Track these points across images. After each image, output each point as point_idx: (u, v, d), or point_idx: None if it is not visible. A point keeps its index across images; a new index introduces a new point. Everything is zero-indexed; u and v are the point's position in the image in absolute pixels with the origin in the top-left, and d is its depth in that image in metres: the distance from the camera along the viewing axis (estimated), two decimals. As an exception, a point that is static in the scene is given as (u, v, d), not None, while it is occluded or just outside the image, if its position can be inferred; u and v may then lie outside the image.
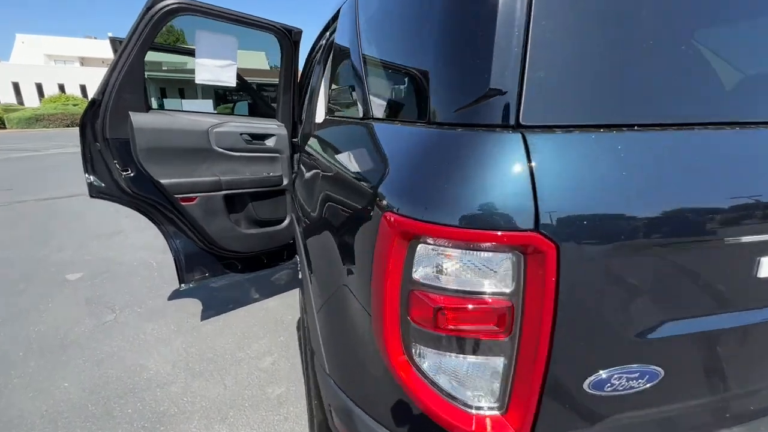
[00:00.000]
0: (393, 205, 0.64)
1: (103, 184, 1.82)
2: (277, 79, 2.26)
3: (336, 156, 1.07)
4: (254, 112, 3.19)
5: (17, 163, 9.63)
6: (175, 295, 2.97)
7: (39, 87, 29.83)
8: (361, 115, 1.03)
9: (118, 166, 1.78)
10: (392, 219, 0.62)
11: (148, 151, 1.75)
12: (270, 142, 2.20)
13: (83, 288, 3.09)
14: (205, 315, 2.71)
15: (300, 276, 2.15)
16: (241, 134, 2.06)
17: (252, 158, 2.15)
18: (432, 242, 0.60)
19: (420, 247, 0.62)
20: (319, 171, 1.17)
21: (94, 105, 1.66)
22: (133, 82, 1.69)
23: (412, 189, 0.63)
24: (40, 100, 28.36)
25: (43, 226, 4.60)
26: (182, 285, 2.17)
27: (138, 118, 1.71)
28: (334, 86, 1.48)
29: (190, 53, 2.58)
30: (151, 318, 2.66)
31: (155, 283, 3.19)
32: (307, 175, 1.42)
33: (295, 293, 3.05)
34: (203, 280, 2.25)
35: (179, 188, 1.89)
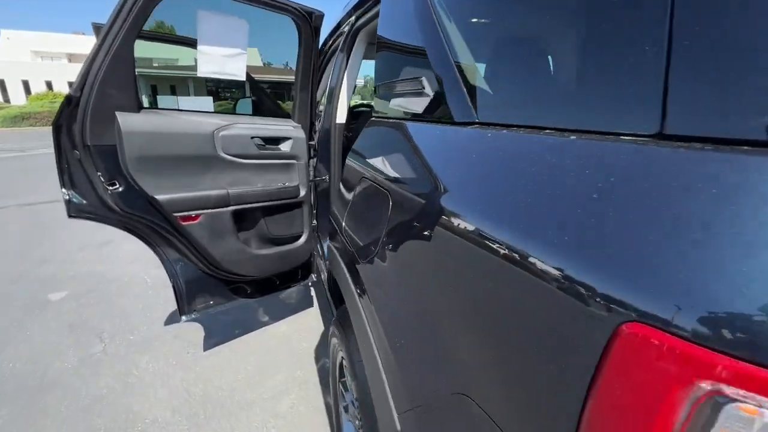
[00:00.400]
0: (648, 312, 0.31)
1: (84, 201, 1.47)
2: (272, 76, 1.92)
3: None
4: (259, 111, 2.84)
5: (2, 164, 9.14)
6: (173, 318, 2.62)
7: (26, 84, 28.93)
8: (460, 117, 0.71)
9: (102, 179, 1.43)
10: (661, 343, 0.30)
11: (139, 160, 1.40)
12: (285, 147, 1.86)
13: (67, 311, 2.73)
14: (208, 343, 2.37)
15: (331, 304, 1.82)
16: (252, 138, 1.72)
17: (265, 166, 1.81)
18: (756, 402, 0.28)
19: (728, 410, 0.29)
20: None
21: (70, 104, 1.31)
22: (120, 75, 1.34)
23: (696, 284, 0.31)
24: (27, 97, 27.52)
25: (26, 236, 4.21)
26: (183, 317, 1.83)
27: (127, 120, 1.36)
28: (381, 80, 1.15)
29: (187, 43, 2.23)
30: (145, 348, 2.31)
31: (149, 302, 2.84)
32: (368, 193, 1.09)
33: (308, 315, 2.72)
34: (207, 308, 1.91)
35: (179, 205, 1.54)
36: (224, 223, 1.71)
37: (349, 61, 2.04)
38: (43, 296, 2.91)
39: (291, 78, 2.00)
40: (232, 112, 2.50)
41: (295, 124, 1.92)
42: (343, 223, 1.29)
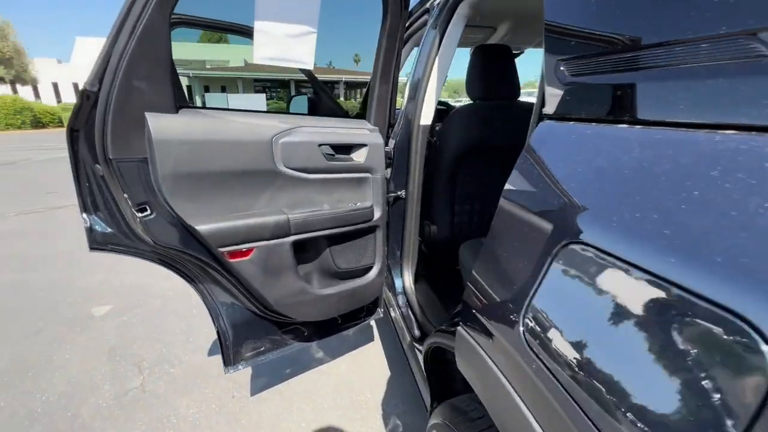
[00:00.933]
0: None
1: (109, 230, 1.12)
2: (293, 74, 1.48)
3: None
4: (317, 112, 2.43)
5: (67, 164, 9.67)
6: (216, 347, 2.29)
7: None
8: None
9: (129, 203, 1.07)
10: None
11: (176, 178, 1.02)
12: (359, 157, 1.43)
13: (109, 330, 2.50)
14: (257, 384, 2.01)
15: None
16: (319, 146, 1.30)
17: (333, 182, 1.39)
18: None
19: None
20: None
21: (87, 100, 0.95)
22: (150, 61, 0.96)
23: None
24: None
25: (79, 239, 4.17)
26: (229, 368, 1.46)
27: (161, 124, 0.98)
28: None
29: (237, 31, 1.86)
30: (186, 388, 1.99)
31: (194, 323, 2.55)
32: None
33: (369, 352, 2.29)
34: (258, 357, 1.53)
35: (226, 237, 1.15)
36: (282, 258, 1.30)
37: (442, 45, 1.57)
38: (87, 310, 2.72)
39: (333, 77, 1.54)
40: (291, 112, 2.09)
41: (372, 127, 1.48)
42: (474, 271, 0.82)
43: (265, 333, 1.57)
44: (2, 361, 2.20)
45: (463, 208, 2.03)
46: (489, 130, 1.83)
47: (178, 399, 1.92)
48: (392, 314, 1.91)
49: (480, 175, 1.97)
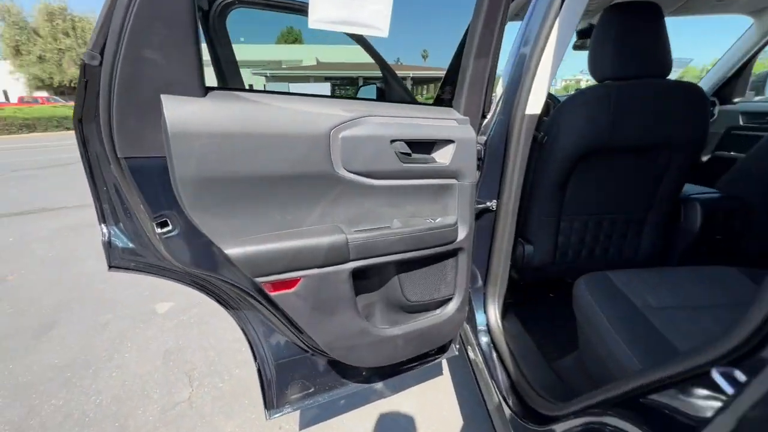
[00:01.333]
0: None
1: (131, 245, 0.89)
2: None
3: None
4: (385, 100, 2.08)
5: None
6: (268, 363, 2.09)
7: None
8: None
9: (147, 215, 0.83)
10: None
11: (200, 183, 0.75)
12: (443, 157, 1.06)
13: (168, 329, 2.44)
14: (306, 416, 1.76)
15: None
16: (392, 142, 0.95)
17: (406, 190, 1.04)
18: None
19: None
20: None
21: (91, 79, 0.71)
22: (167, 22, 0.68)
23: None
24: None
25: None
26: (272, 413, 1.20)
27: (180, 110, 0.71)
28: None
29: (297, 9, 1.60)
30: (232, 408, 1.81)
31: (248, 331, 2.39)
32: None
33: (437, 388, 1.92)
34: (306, 399, 1.25)
35: (265, 264, 0.86)
36: (338, 290, 0.99)
37: (564, 5, 1.13)
38: (151, 306, 2.72)
39: (401, 72, 1.15)
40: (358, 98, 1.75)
41: (461, 117, 1.10)
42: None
43: (316, 372, 1.28)
44: (71, 352, 2.22)
45: (571, 226, 1.56)
46: (627, 121, 1.34)
47: (224, 422, 1.73)
48: (471, 354, 1.52)
49: (602, 181, 1.48)
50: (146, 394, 1.90)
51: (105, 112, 0.72)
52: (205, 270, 0.90)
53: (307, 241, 0.90)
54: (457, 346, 1.50)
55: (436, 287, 1.22)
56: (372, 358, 1.15)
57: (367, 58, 1.67)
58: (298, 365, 1.25)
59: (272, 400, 1.20)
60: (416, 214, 1.10)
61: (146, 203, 0.81)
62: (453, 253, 1.20)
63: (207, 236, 0.81)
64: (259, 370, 1.18)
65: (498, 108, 1.31)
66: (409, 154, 1.01)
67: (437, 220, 1.12)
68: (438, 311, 1.27)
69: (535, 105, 1.23)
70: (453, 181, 1.11)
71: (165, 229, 0.84)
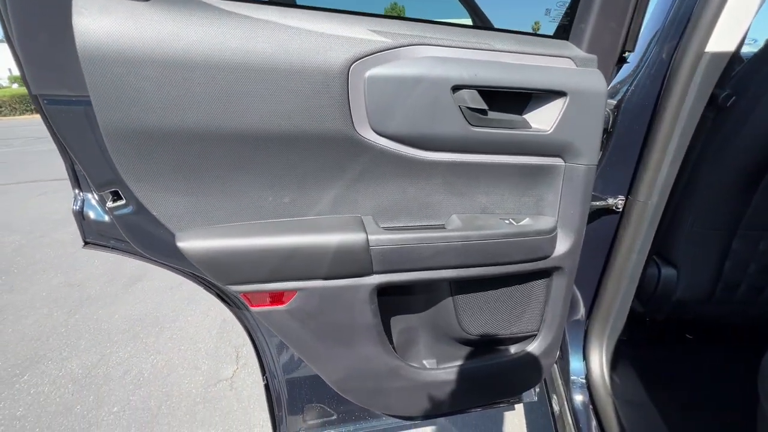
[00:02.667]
0: None
1: (107, 218, 0.69)
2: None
3: None
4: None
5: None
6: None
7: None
8: None
9: (91, 183, 0.61)
10: None
11: (139, 140, 0.47)
12: (542, 119, 0.64)
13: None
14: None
15: None
16: (454, 89, 0.57)
17: (476, 170, 0.65)
18: None
19: None
20: None
21: None
22: None
23: None
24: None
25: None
26: None
27: (99, 20, 0.42)
28: None
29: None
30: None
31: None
32: None
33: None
34: (323, 429, 0.99)
35: (239, 267, 0.58)
36: (355, 313, 0.67)
37: None
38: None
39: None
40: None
41: (584, 55, 0.66)
42: None
43: (339, 396, 1.00)
44: (146, 307, 2.34)
45: (754, 247, 0.98)
46: None
47: (256, 413, 1.60)
48: (556, 408, 1.08)
49: None
50: (195, 364, 1.88)
51: (6, 25, 0.48)
52: (171, 261, 0.65)
53: (306, 239, 0.59)
54: (537, 390, 1.08)
55: (511, 319, 0.82)
56: (407, 406, 0.82)
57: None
58: (318, 384, 0.99)
59: (282, 422, 0.96)
60: (490, 210, 0.71)
61: (84, 165, 0.58)
62: (545, 273, 0.78)
63: (156, 219, 0.55)
64: (266, 386, 0.94)
65: (650, 45, 0.80)
66: (484, 112, 0.62)
67: (523, 222, 0.71)
68: (513, 351, 0.87)
69: (725, 38, 0.70)
70: (557, 161, 0.69)
71: (117, 203, 0.61)
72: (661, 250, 1.05)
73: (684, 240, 1.00)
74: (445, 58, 0.58)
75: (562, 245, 0.74)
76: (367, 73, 0.55)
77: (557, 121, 0.64)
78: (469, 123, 0.61)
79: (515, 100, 0.66)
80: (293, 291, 0.62)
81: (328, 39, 0.53)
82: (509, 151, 0.66)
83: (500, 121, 0.63)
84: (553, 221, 0.72)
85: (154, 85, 0.48)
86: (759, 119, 0.83)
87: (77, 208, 0.69)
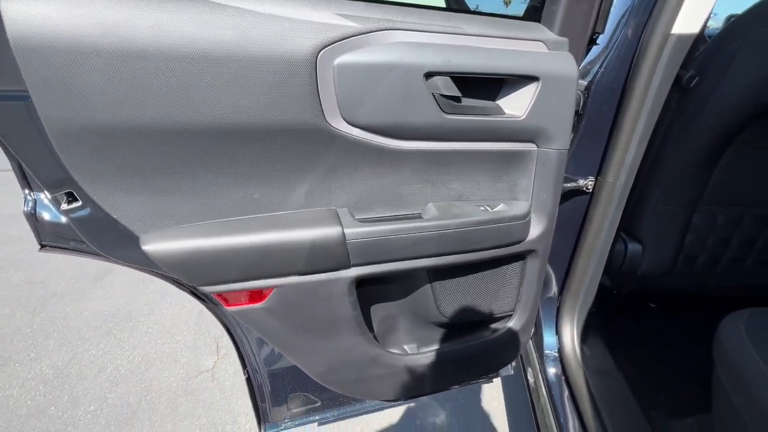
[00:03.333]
0: None
1: (63, 220, 0.64)
2: None
3: None
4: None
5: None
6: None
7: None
8: None
9: (42, 183, 0.56)
10: None
11: (86, 135, 0.42)
12: (515, 105, 0.64)
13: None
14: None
15: None
16: (427, 76, 0.56)
17: (450, 158, 0.64)
18: None
19: None
20: None
21: None
22: None
23: None
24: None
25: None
26: (266, 427, 0.97)
27: (27, 8, 0.37)
28: None
29: None
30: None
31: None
32: None
33: (486, 399, 1.58)
34: (309, 416, 1.01)
35: (209, 268, 0.56)
36: (334, 306, 0.66)
37: None
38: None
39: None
40: None
41: (555, 38, 0.65)
42: None
43: (321, 385, 1.01)
44: (117, 302, 2.26)
45: (712, 221, 1.04)
46: None
47: (240, 402, 1.60)
48: (531, 380, 1.14)
49: None
50: (175, 357, 1.85)
51: None
52: (138, 263, 0.62)
53: (280, 235, 0.57)
54: (513, 364, 1.13)
55: (488, 301, 0.84)
56: (389, 391, 0.84)
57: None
58: (300, 373, 0.99)
59: (264, 413, 0.96)
60: (465, 197, 0.71)
61: (30, 166, 0.53)
62: (519, 256, 0.80)
63: (113, 217, 0.52)
64: (248, 379, 0.94)
65: (618, 26, 0.81)
66: (458, 99, 0.61)
67: (498, 208, 0.72)
68: (490, 331, 0.90)
69: (691, 19, 0.71)
70: (530, 146, 0.69)
71: (72, 205, 0.57)
72: (627, 226, 1.09)
73: (649, 217, 1.04)
74: (416, 43, 0.56)
75: (536, 229, 0.75)
76: (336, 61, 0.52)
77: (530, 107, 0.64)
78: (443, 110, 0.60)
79: (488, 85, 0.65)
80: (270, 288, 0.60)
81: (293, 24, 0.50)
82: (483, 137, 0.66)
83: (474, 108, 0.62)
84: (527, 206, 0.73)
85: (103, 77, 0.44)
86: (719, 99, 0.86)
87: (29, 209, 0.64)
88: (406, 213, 0.68)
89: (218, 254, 0.55)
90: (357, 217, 0.65)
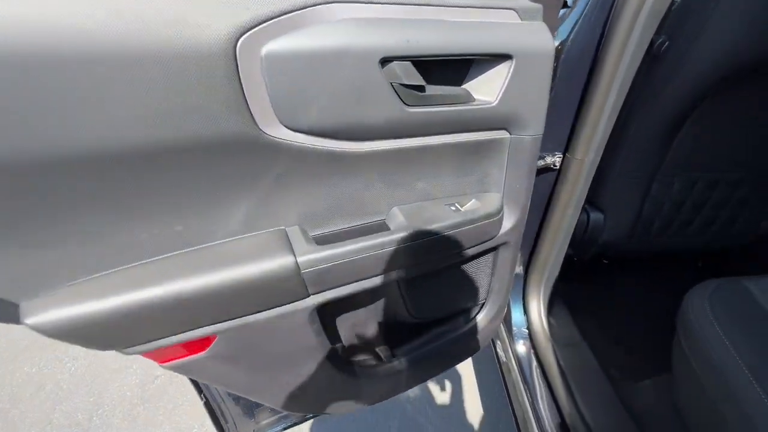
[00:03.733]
0: None
1: None
2: None
3: None
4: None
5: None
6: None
7: None
8: None
9: None
10: None
11: None
12: (485, 90, 0.54)
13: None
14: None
15: None
16: (384, 62, 0.44)
17: (414, 155, 0.55)
18: None
19: None
20: None
21: None
22: None
23: None
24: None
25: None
26: None
27: None
28: None
29: None
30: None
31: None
32: None
33: (461, 379, 1.63)
34: (279, 424, 0.95)
35: (126, 332, 0.44)
36: (294, 339, 0.57)
37: None
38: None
39: None
40: None
41: (529, 5, 0.55)
42: None
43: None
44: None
45: (669, 187, 1.05)
46: None
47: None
48: (500, 352, 1.16)
49: (742, 122, 0.94)
50: (124, 364, 1.70)
51: None
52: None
53: (213, 277, 0.46)
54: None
55: (458, 297, 0.80)
56: (362, 402, 0.79)
57: None
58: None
59: (224, 428, 0.89)
60: (432, 196, 0.63)
61: None
62: (491, 249, 0.74)
63: None
64: (206, 403, 0.85)
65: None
66: (421, 89, 0.50)
67: (469, 205, 0.64)
68: (461, 323, 0.87)
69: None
70: (502, 134, 0.61)
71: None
72: (590, 196, 1.08)
73: (611, 186, 1.03)
74: (367, 20, 0.44)
75: (509, 221, 0.69)
76: (264, 50, 0.39)
77: (503, 90, 0.55)
78: (405, 103, 0.49)
79: (454, 67, 0.54)
80: (212, 335, 0.50)
81: (198, 4, 0.35)
82: (451, 129, 0.56)
83: (441, 96, 0.52)
84: (499, 198, 0.67)
85: None
86: (688, 64, 0.82)
87: None
88: (368, 221, 0.59)
89: (132, 311, 0.43)
90: (313, 234, 0.55)
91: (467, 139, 0.59)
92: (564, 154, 0.85)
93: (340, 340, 0.72)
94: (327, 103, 0.44)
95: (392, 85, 0.47)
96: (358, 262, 0.53)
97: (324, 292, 0.54)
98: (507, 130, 0.60)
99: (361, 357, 0.76)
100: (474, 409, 1.47)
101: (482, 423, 1.42)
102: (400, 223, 0.57)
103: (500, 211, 0.65)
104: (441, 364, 0.90)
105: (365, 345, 0.78)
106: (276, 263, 0.48)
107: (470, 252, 0.67)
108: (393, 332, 0.80)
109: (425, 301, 0.75)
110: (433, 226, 0.58)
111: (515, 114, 0.58)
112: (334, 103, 0.45)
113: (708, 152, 1.00)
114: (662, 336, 0.89)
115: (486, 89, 0.55)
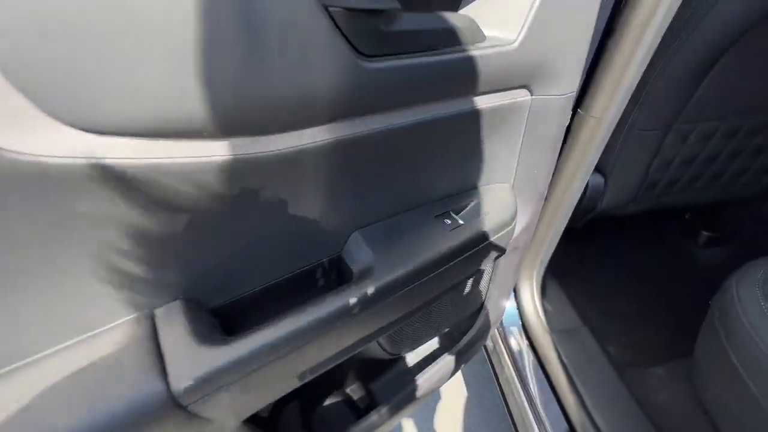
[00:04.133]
0: None
1: None
2: None
3: None
4: None
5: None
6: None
7: None
8: None
9: None
10: None
11: None
12: (491, 19, 0.30)
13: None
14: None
15: None
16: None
17: (382, 141, 0.31)
18: None
19: None
20: None
21: None
22: None
23: None
24: None
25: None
26: None
27: None
28: None
29: None
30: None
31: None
32: None
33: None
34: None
35: None
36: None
37: None
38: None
39: None
40: None
41: None
42: None
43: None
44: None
45: (684, 138, 0.87)
46: None
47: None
48: (489, 345, 1.01)
49: None
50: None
51: None
52: None
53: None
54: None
55: (444, 322, 0.61)
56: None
57: None
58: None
59: None
60: (412, 204, 0.39)
61: None
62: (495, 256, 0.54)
63: None
64: None
65: None
66: (392, 14, 0.24)
67: (467, 210, 0.42)
68: (451, 340, 0.69)
69: None
70: (520, 95, 0.37)
71: None
72: (592, 159, 0.89)
73: (619, 146, 0.84)
74: None
75: (521, 221, 0.49)
76: None
77: (529, 18, 0.30)
78: (358, 52, 0.24)
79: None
80: None
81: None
82: (443, 95, 0.32)
83: (427, 34, 0.27)
84: (509, 193, 0.45)
85: None
86: (722, 7, 0.61)
87: None
88: (311, 263, 0.35)
89: None
90: (211, 305, 0.30)
91: (465, 108, 0.34)
92: (575, 110, 0.63)
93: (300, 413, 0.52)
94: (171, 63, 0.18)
95: (329, 14, 0.21)
96: (296, 353, 0.30)
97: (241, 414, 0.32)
98: (528, 89, 0.37)
99: (333, 416, 0.57)
100: (466, 411, 1.37)
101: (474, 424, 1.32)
102: (364, 262, 0.34)
103: (514, 215, 0.44)
104: (439, 379, 0.73)
105: (335, 399, 0.58)
106: (123, 405, 0.24)
107: (469, 277, 0.46)
108: (367, 373, 0.60)
109: (403, 335, 0.55)
110: (419, 260, 0.35)
111: (543, 61, 0.34)
112: (186, 60, 0.19)
113: (736, 95, 0.82)
114: (665, 306, 0.77)
115: (499, 18, 0.31)
